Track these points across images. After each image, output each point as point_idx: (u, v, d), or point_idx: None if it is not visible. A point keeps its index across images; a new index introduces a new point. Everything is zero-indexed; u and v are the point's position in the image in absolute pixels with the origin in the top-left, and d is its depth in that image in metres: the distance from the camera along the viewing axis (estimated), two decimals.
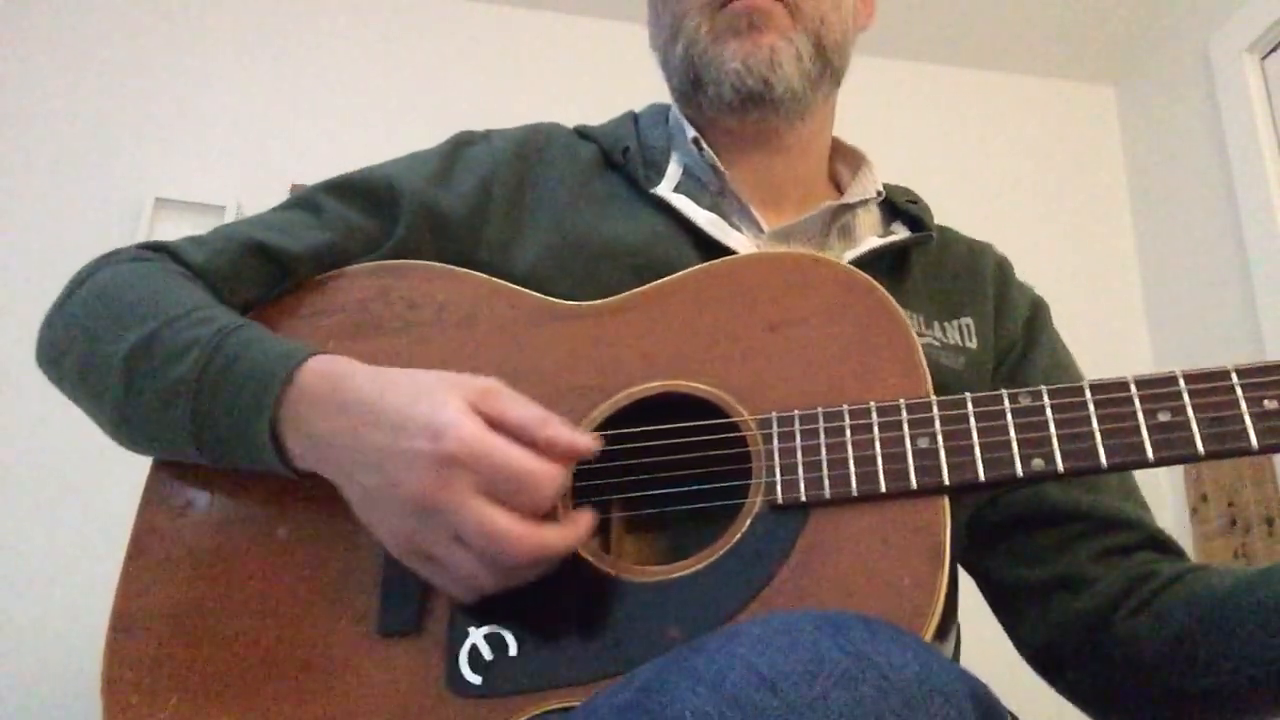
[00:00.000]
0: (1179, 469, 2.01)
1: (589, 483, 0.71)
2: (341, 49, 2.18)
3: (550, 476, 0.63)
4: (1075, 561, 0.86)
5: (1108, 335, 2.13)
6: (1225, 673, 0.72)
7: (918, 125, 2.28)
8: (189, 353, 0.72)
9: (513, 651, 0.65)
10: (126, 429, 0.77)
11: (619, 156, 0.96)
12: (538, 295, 0.82)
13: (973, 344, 0.92)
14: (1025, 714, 0.84)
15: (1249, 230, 1.93)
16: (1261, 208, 1.91)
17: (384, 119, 2.11)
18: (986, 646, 0.93)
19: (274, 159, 2.03)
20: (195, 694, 0.69)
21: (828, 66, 0.94)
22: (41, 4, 2.07)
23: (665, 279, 0.80)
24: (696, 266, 0.80)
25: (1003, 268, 1.02)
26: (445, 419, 0.63)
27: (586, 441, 0.66)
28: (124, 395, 0.75)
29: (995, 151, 2.33)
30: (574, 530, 0.65)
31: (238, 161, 2.02)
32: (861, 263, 0.87)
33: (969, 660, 0.87)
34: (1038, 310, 1.01)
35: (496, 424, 0.64)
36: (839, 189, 1.02)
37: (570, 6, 2.29)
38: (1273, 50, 1.97)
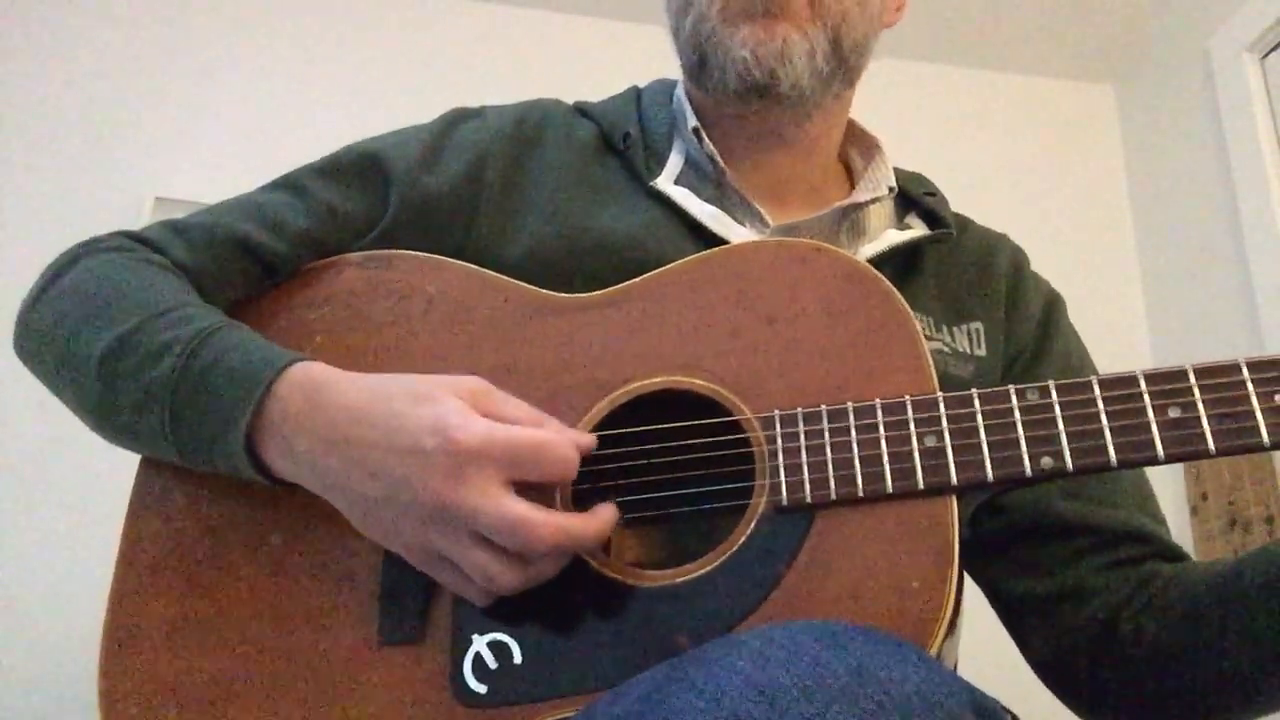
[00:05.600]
0: (1179, 467, 2.01)
1: (588, 485, 0.70)
2: (342, 48, 2.18)
3: (565, 447, 0.63)
4: (1081, 574, 0.84)
5: (1108, 336, 2.12)
6: (1233, 654, 0.71)
7: (917, 125, 2.28)
8: (166, 355, 0.70)
9: (517, 659, 0.64)
10: (107, 427, 0.75)
11: (619, 142, 0.92)
12: (530, 288, 0.80)
13: (981, 351, 0.89)
14: (1026, 714, 0.84)
15: (1249, 230, 1.93)
16: (1261, 208, 1.90)
17: (385, 119, 2.10)
18: (987, 644, 0.92)
19: (274, 159, 2.02)
20: (194, 706, 0.68)
21: (843, 65, 0.89)
22: (42, 4, 2.07)
23: (662, 269, 0.78)
24: (694, 255, 0.78)
25: (1017, 264, 0.98)
26: (451, 417, 0.61)
27: (586, 440, 0.66)
28: (101, 395, 0.73)
29: (995, 151, 2.32)
30: (597, 521, 0.64)
31: (238, 161, 2.01)
32: (872, 261, 0.84)
33: (971, 657, 0.87)
34: (1051, 309, 0.97)
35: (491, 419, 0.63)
36: (850, 175, 0.98)
37: (570, 6, 2.29)
38: (1273, 50, 1.97)
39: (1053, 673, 0.87)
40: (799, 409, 0.68)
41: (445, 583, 0.65)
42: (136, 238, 0.84)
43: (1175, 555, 0.86)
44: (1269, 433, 0.59)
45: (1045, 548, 0.86)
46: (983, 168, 2.25)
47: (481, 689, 0.64)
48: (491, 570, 0.62)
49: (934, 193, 0.97)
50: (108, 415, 0.74)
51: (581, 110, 0.98)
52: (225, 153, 2.02)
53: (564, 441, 0.63)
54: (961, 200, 0.99)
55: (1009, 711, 0.77)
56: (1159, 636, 0.77)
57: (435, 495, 0.61)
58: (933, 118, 2.33)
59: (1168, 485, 2.03)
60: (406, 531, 0.64)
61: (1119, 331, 2.17)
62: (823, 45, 0.86)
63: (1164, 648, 0.76)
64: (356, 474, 0.64)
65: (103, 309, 0.74)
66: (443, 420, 0.61)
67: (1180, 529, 1.97)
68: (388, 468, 0.63)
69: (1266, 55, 1.98)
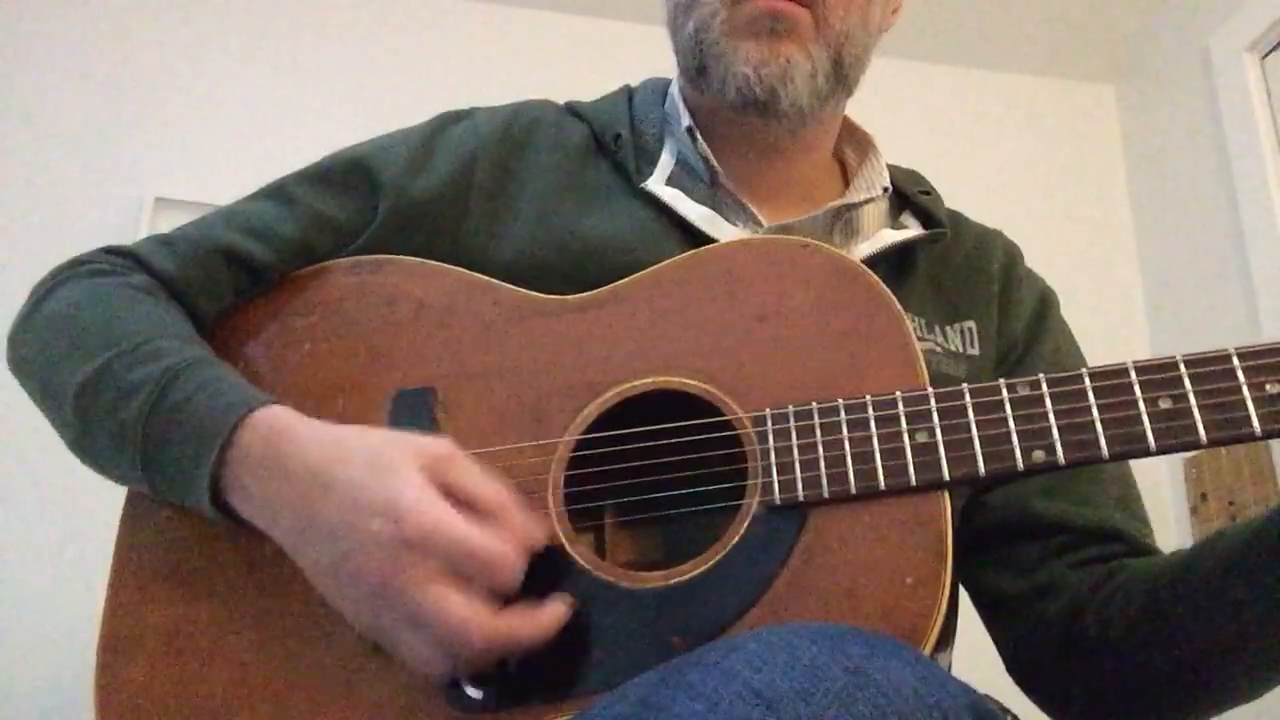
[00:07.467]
0: (1179, 467, 2.01)
1: (582, 488, 0.70)
2: (342, 48, 2.18)
3: (511, 561, 0.61)
4: (1053, 572, 0.83)
5: (1108, 336, 2.12)
6: (1190, 642, 0.70)
7: (917, 125, 2.28)
8: (135, 396, 0.70)
9: (513, 664, 0.63)
10: (89, 461, 0.76)
11: (610, 143, 0.92)
12: (520, 290, 0.80)
13: (974, 350, 0.89)
14: (1026, 714, 0.83)
15: (1249, 229, 1.93)
16: (1261, 208, 1.91)
17: (385, 119, 2.09)
18: (987, 644, 0.91)
19: (274, 159, 2.02)
20: (192, 714, 0.68)
21: (843, 82, 0.89)
22: (41, 3, 2.07)
23: (651, 269, 0.77)
24: (683, 254, 0.77)
25: (1010, 261, 0.97)
26: (406, 501, 0.60)
27: (540, 533, 0.64)
28: (79, 431, 0.73)
29: (995, 151, 2.33)
30: (538, 625, 0.61)
31: (238, 161, 2.01)
32: (865, 262, 0.83)
33: (971, 657, 0.86)
34: (1043, 306, 0.96)
35: (452, 493, 0.62)
36: (845, 173, 0.98)
37: (570, 6, 2.29)
38: (1273, 50, 1.97)
39: (1023, 672, 0.85)
40: (790, 406, 0.68)
41: (389, 650, 0.64)
42: (122, 253, 0.84)
43: (1149, 554, 0.84)
44: (1260, 422, 0.59)
45: (1022, 547, 0.85)
46: (983, 167, 2.25)
47: (477, 695, 0.63)
48: (428, 655, 0.61)
49: (929, 190, 0.97)
50: (87, 450, 0.75)
51: (574, 110, 0.98)
52: (225, 153, 2.02)
53: (508, 555, 0.61)
54: (961, 200, 0.99)
55: (1009, 712, 0.77)
56: (1121, 628, 0.76)
57: (376, 576, 0.60)
58: (933, 118, 2.33)
59: (1168, 485, 2.03)
60: (350, 601, 0.63)
61: (1119, 331, 2.17)
62: (824, 65, 0.86)
63: (1125, 639, 0.75)
64: (308, 537, 0.64)
65: (79, 339, 0.74)
66: (394, 501, 0.60)
67: (1180, 529, 1.97)
68: (336, 538, 0.62)
69: (1266, 55, 1.98)
